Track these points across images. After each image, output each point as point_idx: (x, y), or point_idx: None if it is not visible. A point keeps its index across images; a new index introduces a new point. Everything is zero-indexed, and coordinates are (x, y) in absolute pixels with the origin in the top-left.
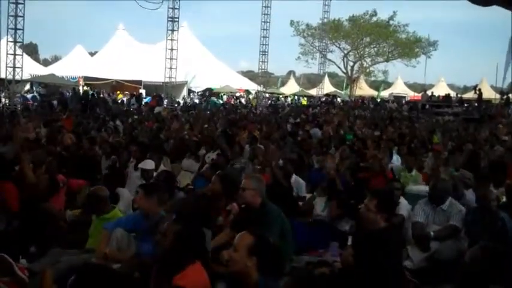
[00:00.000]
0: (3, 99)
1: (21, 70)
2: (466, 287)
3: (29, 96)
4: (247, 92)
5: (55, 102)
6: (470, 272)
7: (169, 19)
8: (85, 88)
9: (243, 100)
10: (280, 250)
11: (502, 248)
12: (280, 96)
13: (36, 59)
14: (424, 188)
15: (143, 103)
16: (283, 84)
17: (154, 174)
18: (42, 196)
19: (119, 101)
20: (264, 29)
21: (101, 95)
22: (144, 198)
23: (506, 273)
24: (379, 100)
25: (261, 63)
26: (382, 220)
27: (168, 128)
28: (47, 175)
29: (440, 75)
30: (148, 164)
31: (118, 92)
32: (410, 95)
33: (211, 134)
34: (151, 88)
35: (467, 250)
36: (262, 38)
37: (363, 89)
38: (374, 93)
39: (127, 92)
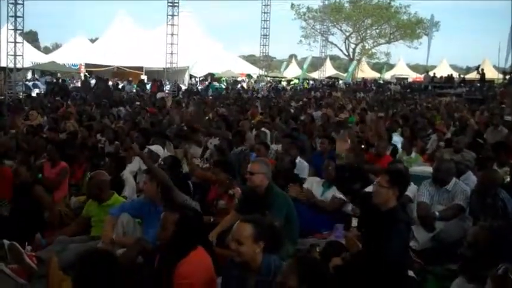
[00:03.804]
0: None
1: (22, 58)
2: (470, 267)
3: (30, 84)
4: (249, 76)
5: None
6: (475, 251)
7: (169, 4)
8: (86, 74)
9: (244, 84)
10: (277, 227)
11: (505, 227)
12: (282, 80)
13: (37, 47)
14: (428, 169)
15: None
16: (287, 67)
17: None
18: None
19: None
20: (264, 13)
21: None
22: (149, 183)
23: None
24: (381, 82)
25: (262, 47)
26: (394, 197)
27: (167, 113)
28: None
29: (443, 56)
30: (156, 147)
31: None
32: (413, 76)
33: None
34: (152, 74)
35: (469, 230)
36: (263, 22)
37: (365, 72)
38: (376, 75)
39: (130, 78)
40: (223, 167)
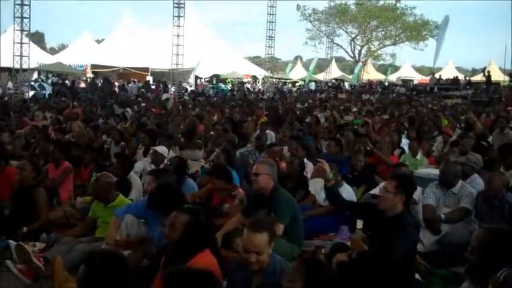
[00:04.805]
0: (10, 88)
1: (28, 59)
2: (475, 271)
3: (36, 84)
4: (254, 77)
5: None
6: (478, 255)
7: (175, 5)
8: (93, 76)
9: (249, 86)
10: None
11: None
12: (288, 81)
13: (43, 48)
14: (433, 171)
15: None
16: (292, 68)
17: (165, 161)
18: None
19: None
20: (270, 14)
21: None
22: (153, 184)
23: None
24: (387, 84)
25: (267, 48)
26: (400, 202)
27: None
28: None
29: (448, 58)
30: (161, 148)
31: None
32: (418, 78)
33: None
34: (158, 75)
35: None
36: (268, 23)
37: (370, 73)
38: (381, 77)
39: (135, 79)
40: (216, 174)
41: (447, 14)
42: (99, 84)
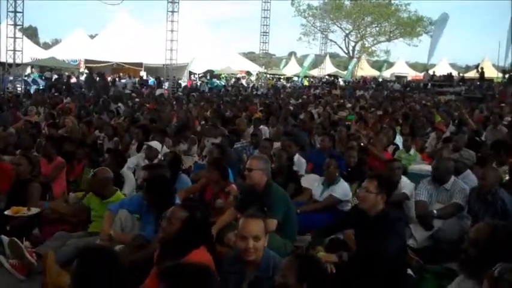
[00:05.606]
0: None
1: (22, 53)
2: (470, 263)
3: (29, 79)
4: (248, 73)
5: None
6: (476, 247)
7: (169, 0)
8: (85, 70)
9: (243, 82)
10: None
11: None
12: (282, 77)
13: (36, 43)
14: (426, 167)
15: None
16: (286, 64)
17: (159, 156)
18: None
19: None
20: (264, 10)
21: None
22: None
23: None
24: (381, 80)
25: (262, 44)
26: (382, 201)
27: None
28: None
29: (442, 55)
30: (154, 143)
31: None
32: (412, 74)
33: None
34: (152, 70)
35: (470, 228)
36: (263, 19)
37: (364, 69)
38: (375, 73)
39: (131, 75)
40: (217, 165)
41: (445, 12)
42: (97, 79)
